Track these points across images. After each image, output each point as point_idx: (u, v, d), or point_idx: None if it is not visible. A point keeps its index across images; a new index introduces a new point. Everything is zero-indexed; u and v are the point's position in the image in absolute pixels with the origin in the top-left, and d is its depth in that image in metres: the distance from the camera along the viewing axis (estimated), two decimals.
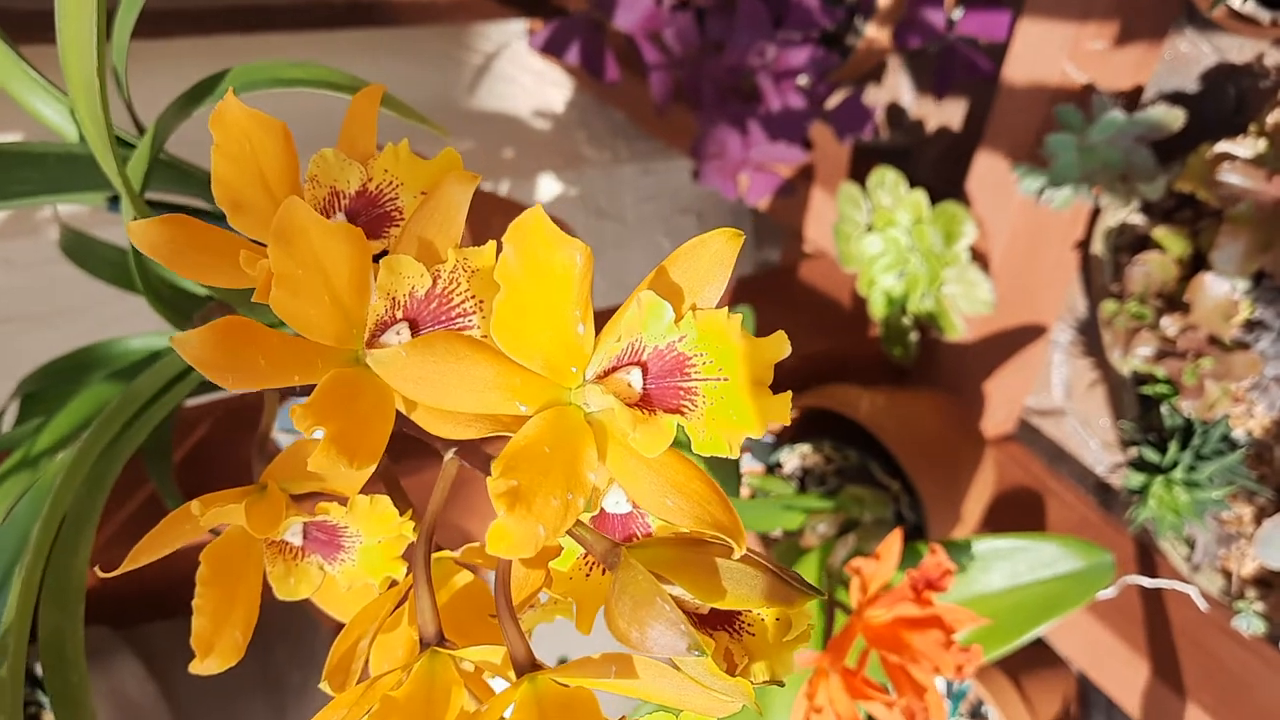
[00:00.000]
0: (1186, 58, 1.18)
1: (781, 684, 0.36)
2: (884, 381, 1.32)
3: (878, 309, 1.24)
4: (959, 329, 1.20)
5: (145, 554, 0.47)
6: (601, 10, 1.33)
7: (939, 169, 1.44)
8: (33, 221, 1.30)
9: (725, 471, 1.00)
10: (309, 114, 0.95)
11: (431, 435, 0.41)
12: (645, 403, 0.37)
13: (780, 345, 0.37)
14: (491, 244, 0.40)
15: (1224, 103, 1.14)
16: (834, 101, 1.30)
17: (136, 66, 0.79)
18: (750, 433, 0.37)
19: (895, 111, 1.50)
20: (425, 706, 0.38)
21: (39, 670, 0.90)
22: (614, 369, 0.38)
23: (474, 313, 0.40)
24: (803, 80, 1.26)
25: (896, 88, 1.49)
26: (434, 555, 0.48)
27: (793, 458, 1.18)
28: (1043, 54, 1.14)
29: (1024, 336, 1.29)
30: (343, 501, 0.48)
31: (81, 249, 0.92)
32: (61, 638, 0.65)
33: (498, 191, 1.50)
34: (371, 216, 0.46)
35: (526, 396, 0.37)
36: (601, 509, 0.43)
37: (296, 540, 0.49)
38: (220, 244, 0.44)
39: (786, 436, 1.21)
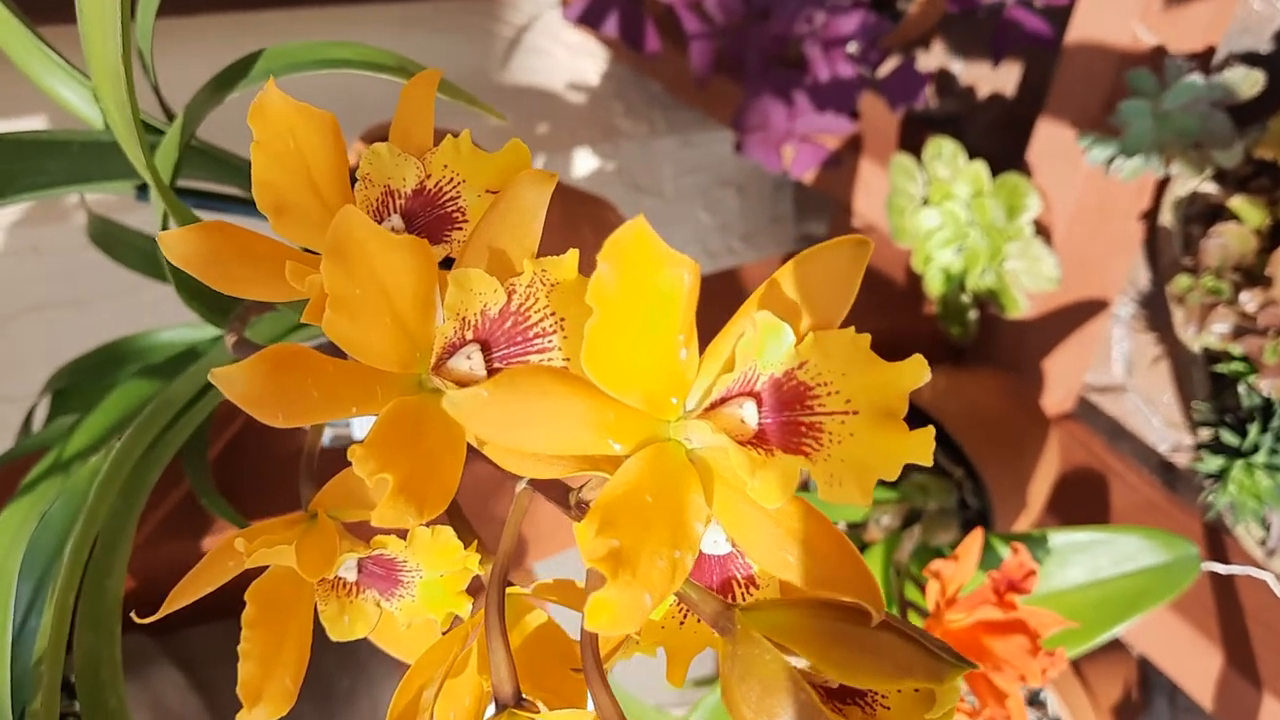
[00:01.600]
0: (1260, 16, 1.11)
1: None
2: (941, 361, 1.26)
3: (935, 286, 1.19)
4: (1022, 306, 1.14)
5: (185, 595, 0.43)
6: None
7: (991, 137, 1.38)
8: (61, 208, 1.26)
9: None
10: (335, 95, 0.90)
11: None
12: (760, 441, 0.32)
13: (919, 371, 0.32)
14: (573, 254, 0.35)
15: None
16: (885, 70, 1.24)
17: (162, 47, 0.74)
18: (885, 476, 0.32)
19: (944, 78, 1.43)
20: None
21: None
22: (723, 400, 0.32)
23: (554, 332, 0.35)
24: (852, 48, 1.20)
25: (946, 53, 1.42)
26: (508, 591, 0.44)
27: None
28: (1111, 14, 1.07)
29: (1086, 311, 1.23)
30: (401, 533, 0.43)
31: (110, 237, 0.87)
32: (97, 661, 0.60)
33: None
34: (431, 218, 0.41)
35: (621, 433, 0.32)
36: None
37: (351, 576, 0.44)
38: (263, 253, 0.39)
39: None
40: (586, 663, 0.35)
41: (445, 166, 0.41)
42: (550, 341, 0.35)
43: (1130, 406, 1.32)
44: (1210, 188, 1.10)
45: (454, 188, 0.41)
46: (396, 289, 0.34)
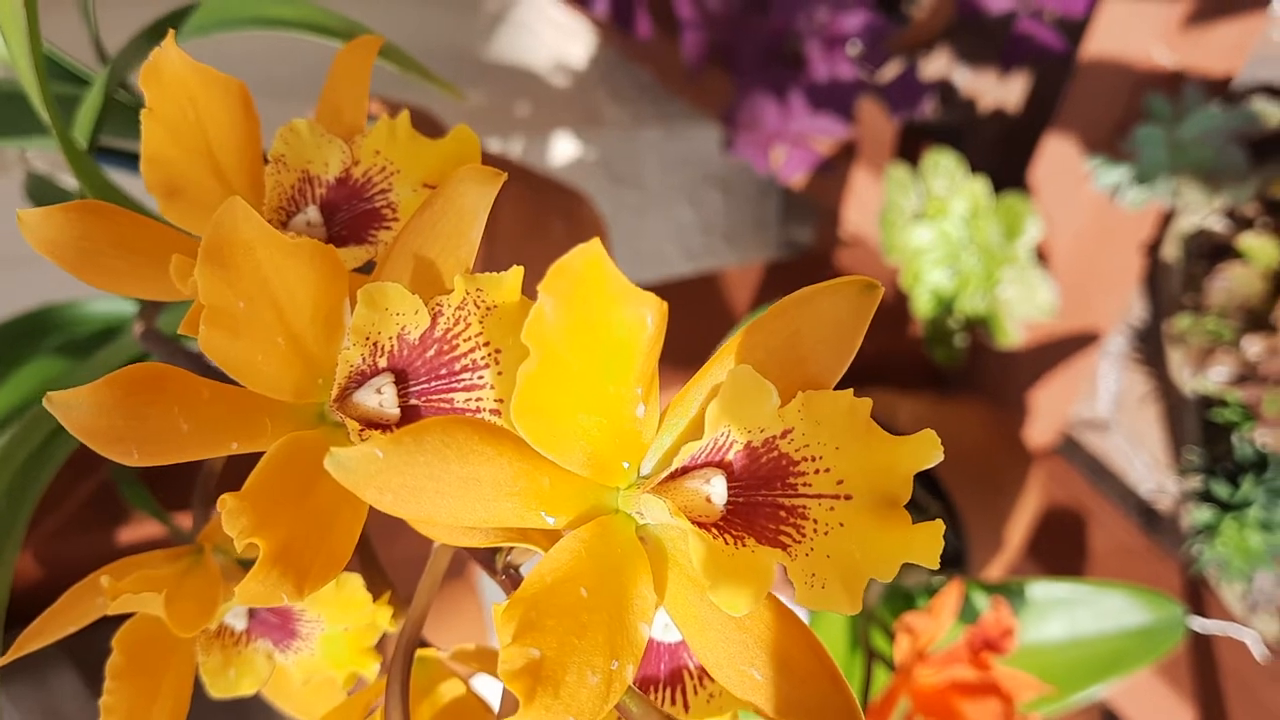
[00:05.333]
0: (1278, 48, 1.06)
1: None
2: (923, 385, 1.20)
3: (923, 307, 1.13)
4: (1013, 336, 1.08)
5: (42, 636, 0.36)
6: None
7: (992, 153, 1.32)
8: (2, 161, 1.18)
9: None
10: (308, 71, 0.83)
11: None
12: (729, 525, 0.26)
13: (929, 450, 0.26)
14: (517, 272, 0.28)
15: None
16: (887, 74, 1.18)
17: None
18: (879, 577, 0.25)
19: (947, 88, 1.37)
20: None
21: None
22: (686, 470, 0.26)
23: (486, 366, 0.29)
24: (854, 49, 1.14)
25: (950, 62, 1.36)
26: (420, 654, 0.37)
27: None
28: (1130, 32, 1.01)
29: (1077, 344, 1.17)
30: None
31: (48, 197, 0.80)
32: None
33: (508, 152, 1.37)
34: (355, 213, 0.34)
35: (557, 504, 0.26)
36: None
37: (240, 623, 0.37)
38: (151, 242, 0.32)
39: None
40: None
41: (377, 153, 0.35)
42: (481, 377, 0.29)
43: (1114, 444, 1.26)
44: (1217, 224, 1.04)
45: (385, 178, 0.35)
46: (291, 303, 0.27)
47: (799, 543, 0.25)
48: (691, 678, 0.32)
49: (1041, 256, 1.09)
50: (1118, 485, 1.26)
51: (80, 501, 0.85)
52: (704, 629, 0.26)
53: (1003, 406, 1.19)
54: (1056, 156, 1.07)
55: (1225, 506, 0.98)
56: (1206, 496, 1.00)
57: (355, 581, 0.36)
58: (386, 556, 0.40)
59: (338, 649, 0.37)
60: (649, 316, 0.24)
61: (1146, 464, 1.24)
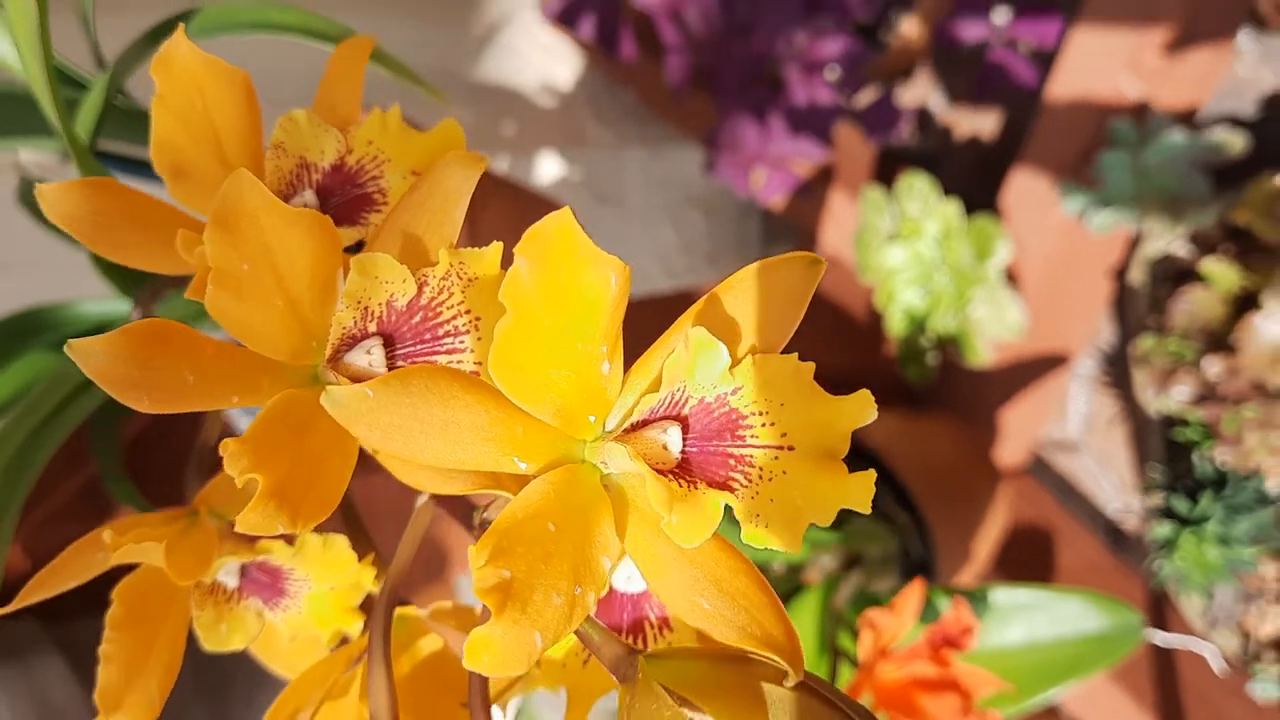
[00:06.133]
0: (1245, 82, 1.10)
1: None
2: (896, 402, 1.23)
3: (896, 326, 1.16)
4: (983, 354, 1.11)
5: (46, 587, 0.39)
6: None
7: (968, 178, 1.35)
8: None
9: None
10: (301, 75, 0.86)
11: None
12: (683, 471, 0.29)
13: (864, 408, 0.29)
14: (496, 247, 0.31)
15: None
16: (864, 99, 1.22)
17: (115, 9, 0.70)
18: (818, 520, 0.28)
19: (924, 114, 1.41)
20: None
21: None
22: (645, 423, 0.29)
23: (466, 331, 0.31)
24: (832, 74, 1.18)
25: (927, 89, 1.40)
26: (400, 612, 0.40)
27: None
28: (1097, 63, 1.05)
29: (1047, 365, 1.20)
30: (290, 539, 0.39)
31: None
32: None
33: (493, 170, 1.40)
34: (348, 197, 0.37)
35: (529, 451, 0.28)
36: (609, 585, 0.35)
37: (232, 581, 0.40)
38: (157, 220, 0.35)
39: None
40: (473, 701, 0.31)
41: (370, 143, 0.37)
42: (462, 342, 0.31)
43: (1083, 465, 1.29)
44: (1182, 249, 1.08)
45: (377, 166, 0.37)
46: (291, 269, 0.30)
47: (746, 487, 0.28)
48: (652, 627, 0.34)
49: (1011, 278, 1.12)
50: (1086, 505, 1.29)
51: (68, 496, 0.87)
52: (659, 566, 0.29)
53: (973, 424, 1.22)
54: (1026, 181, 1.11)
55: (1185, 521, 1.01)
56: (1167, 512, 1.03)
57: (341, 543, 0.39)
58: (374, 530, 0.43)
59: (323, 607, 0.40)
60: (613, 278, 0.27)
61: (1114, 484, 1.27)
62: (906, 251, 1.12)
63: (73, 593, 0.84)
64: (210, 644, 0.40)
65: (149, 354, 0.29)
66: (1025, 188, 1.11)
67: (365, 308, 0.31)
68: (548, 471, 0.28)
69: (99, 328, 0.75)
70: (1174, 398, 1.03)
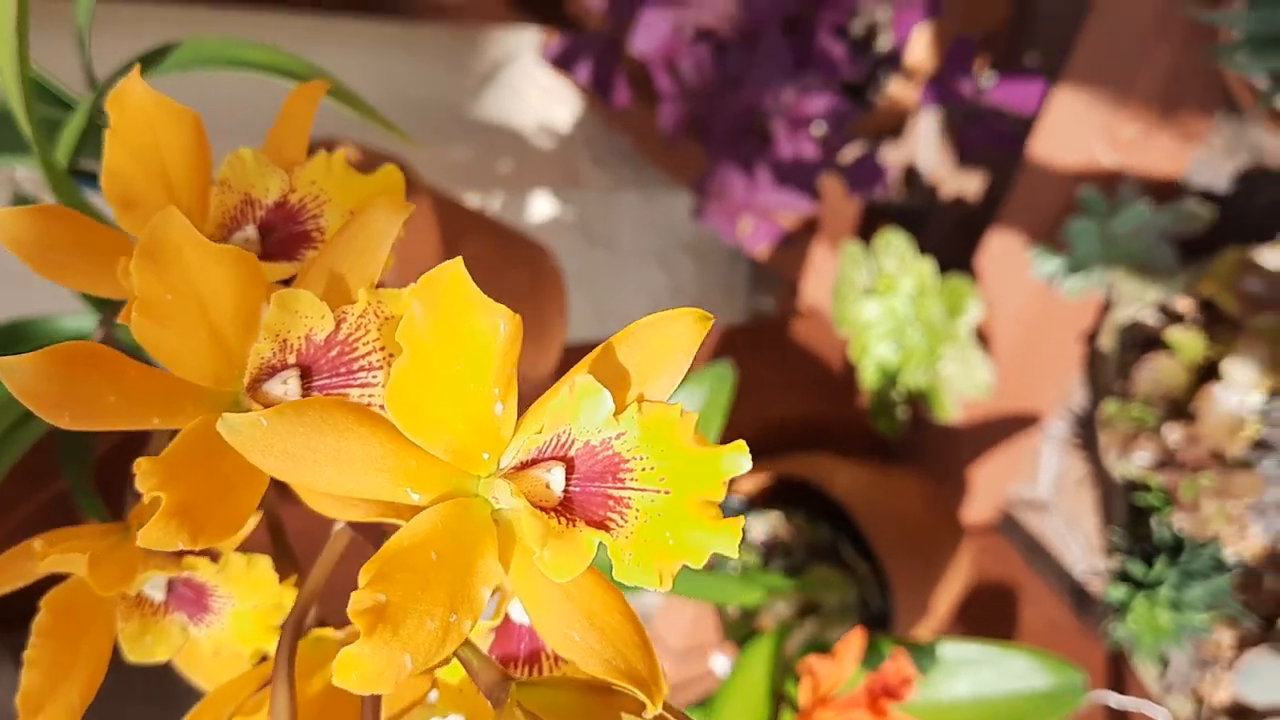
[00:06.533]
0: (1220, 159, 1.12)
1: None
2: (866, 454, 1.25)
3: (869, 378, 1.18)
4: (951, 411, 1.13)
5: None
6: (619, 31, 1.27)
7: (951, 238, 1.37)
8: None
9: None
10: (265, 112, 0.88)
11: None
12: (565, 509, 0.30)
13: (740, 457, 0.30)
14: (412, 289, 0.33)
15: (1255, 208, 1.08)
16: (848, 155, 1.24)
17: (111, 31, 0.72)
18: (689, 562, 0.30)
19: (911, 174, 1.43)
20: None
21: None
22: (533, 463, 0.31)
23: (380, 367, 0.33)
24: (818, 129, 1.20)
25: (915, 149, 1.43)
26: (316, 633, 0.41)
27: (761, 525, 1.11)
28: (1074, 132, 1.08)
29: (1017, 424, 1.22)
30: (215, 557, 0.41)
31: None
32: None
33: (487, 207, 1.43)
34: (288, 234, 0.39)
35: (422, 483, 0.30)
36: (507, 616, 0.36)
37: (158, 595, 0.42)
38: (102, 246, 0.37)
39: (757, 501, 1.14)
40: (365, 716, 0.33)
41: (313, 183, 0.40)
42: (375, 376, 0.33)
43: (1052, 526, 1.31)
44: (1151, 317, 1.10)
45: (318, 205, 0.40)
46: (214, 301, 0.32)
47: (621, 527, 0.30)
48: (548, 658, 0.36)
49: (983, 338, 1.14)
50: (1053, 565, 1.30)
51: (37, 509, 0.89)
52: (538, 598, 0.30)
53: (941, 479, 1.24)
54: (1001, 243, 1.13)
55: (1139, 585, 1.02)
56: (1124, 576, 1.04)
57: (265, 563, 0.41)
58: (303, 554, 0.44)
59: (246, 625, 0.42)
60: (502, 325, 0.29)
61: (1081, 546, 1.28)
62: (881, 306, 1.14)
63: (31, 599, 0.86)
64: (134, 655, 0.42)
65: (71, 374, 0.30)
66: (999, 250, 1.13)
67: (284, 340, 0.33)
68: (440, 503, 0.30)
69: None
70: (1135, 462, 1.05)
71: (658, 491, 0.30)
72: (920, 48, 1.24)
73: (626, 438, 0.30)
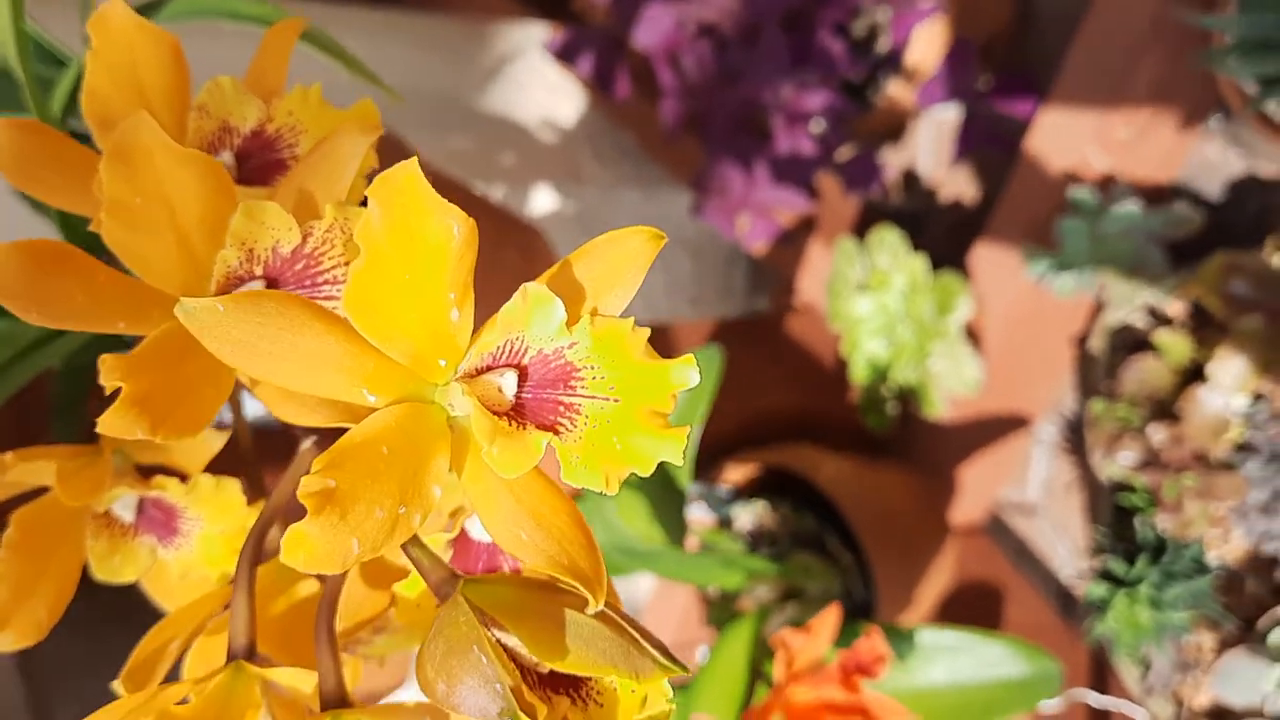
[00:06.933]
0: (1213, 164, 1.13)
1: None
2: (855, 450, 1.25)
3: (859, 374, 1.18)
4: (940, 406, 1.14)
5: None
6: (623, 25, 1.28)
7: (949, 240, 1.38)
8: None
9: (671, 514, 0.94)
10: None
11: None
12: (516, 414, 0.31)
13: (687, 372, 0.31)
14: (368, 190, 0.34)
15: (1245, 214, 1.09)
16: (845, 153, 1.25)
17: None
18: (635, 469, 0.30)
19: (909, 177, 1.44)
20: None
21: None
22: (486, 369, 0.31)
23: (343, 281, 0.34)
24: (817, 126, 1.21)
25: (914, 152, 1.43)
26: (279, 558, 0.42)
27: (747, 514, 1.12)
28: (1067, 134, 1.09)
29: (1006, 426, 1.22)
30: (184, 478, 0.41)
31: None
32: None
33: (487, 196, 1.44)
34: (264, 161, 0.40)
35: (379, 385, 0.31)
36: (464, 531, 0.37)
37: (128, 516, 0.43)
38: (79, 162, 0.38)
39: (745, 491, 1.15)
40: (319, 621, 0.34)
41: (290, 113, 0.41)
42: (339, 290, 0.34)
43: (1040, 529, 1.31)
44: (1140, 320, 1.10)
45: (294, 135, 0.40)
46: (183, 206, 0.33)
47: (570, 431, 0.31)
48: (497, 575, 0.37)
49: (973, 336, 1.15)
50: (1040, 569, 1.30)
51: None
52: (489, 499, 0.31)
53: (929, 477, 1.24)
54: (994, 243, 1.14)
55: (1120, 583, 1.02)
56: (1105, 574, 1.05)
57: (233, 486, 0.42)
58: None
59: (213, 549, 0.42)
60: (455, 228, 0.29)
61: (1069, 550, 1.28)
62: (873, 302, 1.15)
63: None
64: (102, 574, 0.42)
65: (40, 270, 0.31)
66: (992, 248, 1.14)
67: (251, 250, 0.34)
68: (394, 406, 0.31)
69: None
70: (1120, 462, 1.05)
71: (607, 399, 0.31)
72: (920, 49, 1.24)
73: (578, 347, 0.31)
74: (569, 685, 0.31)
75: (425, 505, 0.30)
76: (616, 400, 0.31)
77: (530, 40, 1.60)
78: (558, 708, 0.30)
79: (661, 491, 0.97)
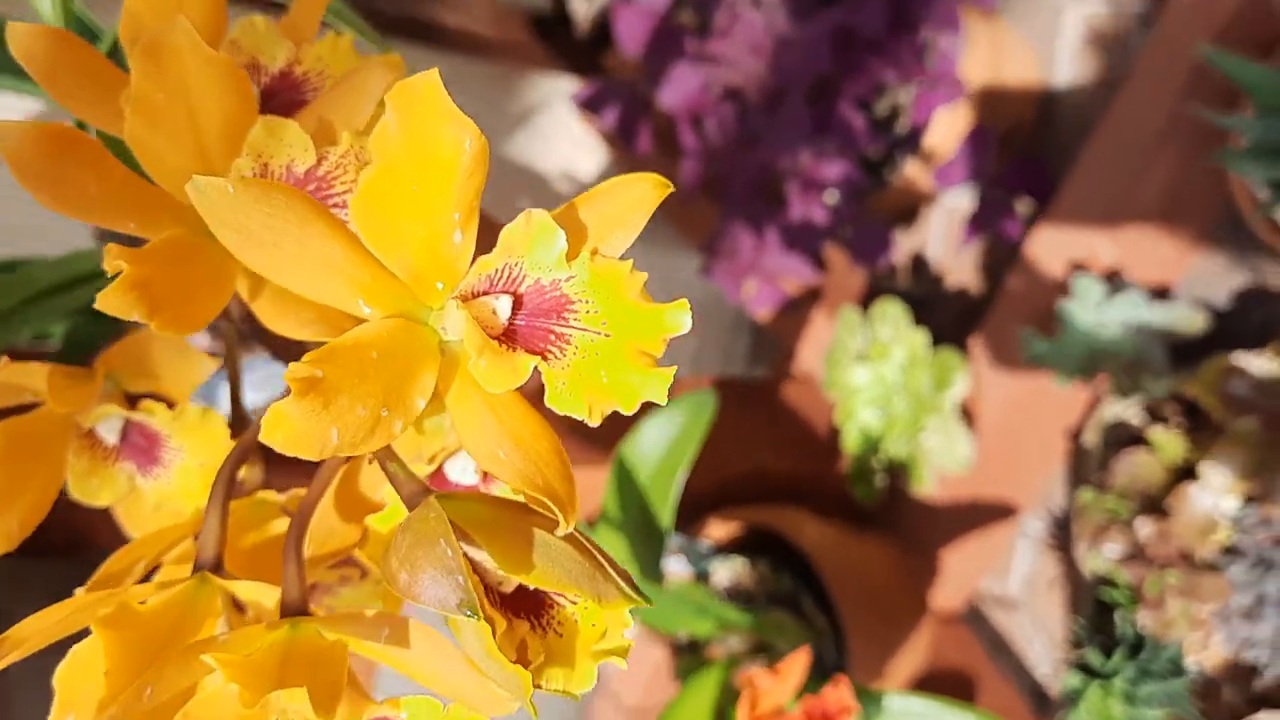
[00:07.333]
0: (1220, 269, 1.14)
1: (575, 698, 0.30)
2: (840, 519, 1.25)
3: (851, 443, 1.19)
4: (928, 483, 1.14)
5: None
6: (649, 83, 1.30)
7: (953, 325, 1.39)
8: None
9: (649, 557, 0.93)
10: None
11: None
12: (508, 338, 0.32)
13: (679, 317, 0.32)
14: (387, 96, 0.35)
15: (1249, 323, 1.10)
16: (857, 225, 1.27)
17: None
18: (619, 405, 0.31)
19: (919, 261, 1.46)
20: (168, 630, 0.32)
21: None
22: (483, 292, 0.32)
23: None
24: (831, 198, 1.23)
25: (925, 237, 1.45)
26: (259, 495, 0.42)
27: (725, 570, 1.11)
28: (1078, 225, 1.10)
29: (993, 513, 1.22)
30: (172, 405, 0.42)
31: None
32: None
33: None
34: (288, 100, 0.41)
35: (376, 298, 0.31)
36: (441, 471, 0.37)
37: (112, 439, 0.43)
38: (111, 80, 0.38)
39: (724, 547, 1.14)
40: (290, 534, 0.34)
41: (319, 59, 0.41)
42: (347, 215, 0.35)
43: (1019, 624, 1.30)
44: (1136, 417, 1.10)
45: (321, 80, 0.41)
46: (205, 111, 0.34)
47: (559, 359, 0.31)
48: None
49: (968, 415, 1.15)
50: (1016, 663, 1.29)
51: None
52: (472, 417, 0.31)
53: (913, 555, 1.24)
54: (996, 325, 1.15)
55: (1095, 675, 1.01)
56: (1082, 665, 1.04)
57: (218, 420, 0.42)
58: None
59: (190, 481, 0.43)
60: (468, 141, 0.30)
61: (1047, 647, 1.27)
62: (871, 372, 1.16)
63: None
64: (79, 493, 0.42)
65: (60, 153, 0.32)
66: (994, 330, 1.15)
67: (266, 165, 0.34)
68: (389, 319, 0.31)
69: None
70: (1104, 554, 1.05)
71: (599, 333, 0.31)
72: (940, 132, 1.27)
73: (575, 281, 0.32)
74: (531, 611, 0.31)
75: (408, 413, 0.30)
76: (608, 335, 0.31)
77: (559, 93, 1.62)
78: (517, 630, 0.30)
79: (642, 532, 0.97)
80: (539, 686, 0.30)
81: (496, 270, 0.31)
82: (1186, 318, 1.05)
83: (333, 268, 0.31)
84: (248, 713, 0.30)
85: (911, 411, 1.13)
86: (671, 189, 0.33)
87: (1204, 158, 1.02)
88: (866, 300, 1.36)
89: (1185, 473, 1.05)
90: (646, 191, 0.33)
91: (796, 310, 1.36)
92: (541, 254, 0.31)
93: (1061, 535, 1.26)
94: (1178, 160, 1.05)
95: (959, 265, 1.38)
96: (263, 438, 0.27)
